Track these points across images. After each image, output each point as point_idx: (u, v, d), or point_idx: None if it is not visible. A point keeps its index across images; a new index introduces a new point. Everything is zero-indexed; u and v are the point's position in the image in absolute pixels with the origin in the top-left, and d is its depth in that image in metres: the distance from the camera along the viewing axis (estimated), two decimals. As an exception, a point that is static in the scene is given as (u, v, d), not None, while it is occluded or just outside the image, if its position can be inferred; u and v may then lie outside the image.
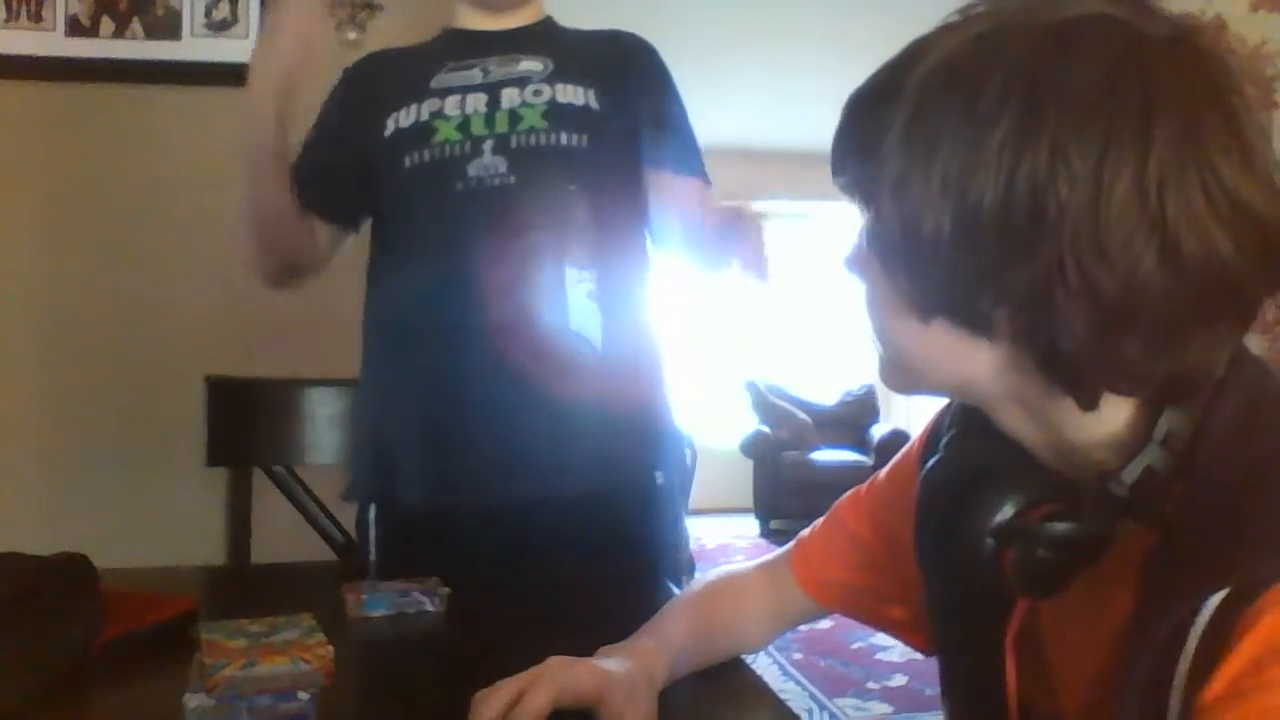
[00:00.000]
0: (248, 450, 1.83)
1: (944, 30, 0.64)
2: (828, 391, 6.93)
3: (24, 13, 2.16)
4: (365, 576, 1.29)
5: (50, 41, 2.17)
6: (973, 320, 0.63)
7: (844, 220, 0.77)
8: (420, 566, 1.23)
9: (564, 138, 1.40)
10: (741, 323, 7.22)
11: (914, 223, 0.61)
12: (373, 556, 1.49)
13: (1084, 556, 0.66)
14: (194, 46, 2.22)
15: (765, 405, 6.72)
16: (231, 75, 2.22)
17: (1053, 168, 0.57)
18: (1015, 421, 0.69)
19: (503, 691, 0.81)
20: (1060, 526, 0.65)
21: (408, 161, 1.41)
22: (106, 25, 2.19)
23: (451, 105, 1.42)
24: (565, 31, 1.55)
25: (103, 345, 2.21)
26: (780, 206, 6.98)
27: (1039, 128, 0.58)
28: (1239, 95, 0.60)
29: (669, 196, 1.46)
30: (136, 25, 2.20)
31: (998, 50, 0.60)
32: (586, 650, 0.90)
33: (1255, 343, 2.38)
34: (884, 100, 0.63)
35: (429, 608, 1.17)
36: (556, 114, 1.40)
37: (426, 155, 1.40)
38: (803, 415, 6.71)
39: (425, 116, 1.41)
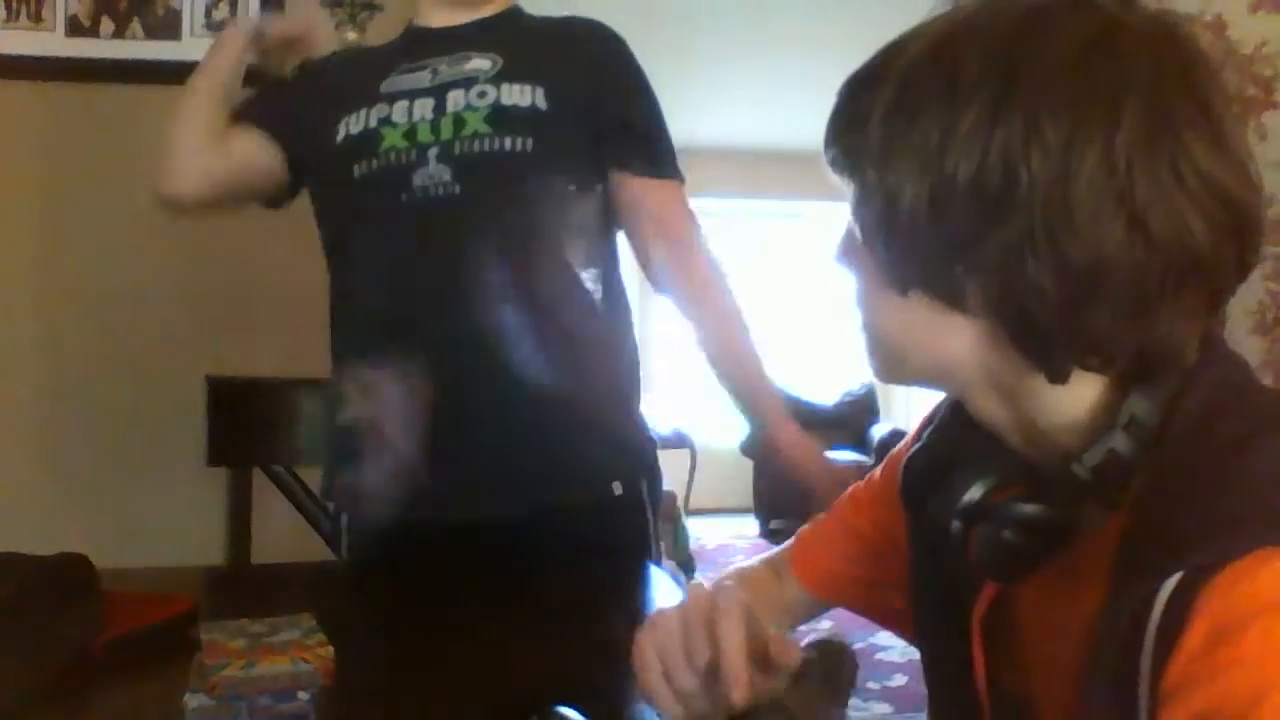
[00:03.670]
0: (248, 450, 1.83)
1: (934, 19, 0.66)
2: (828, 391, 6.93)
3: (24, 13, 2.16)
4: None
5: (50, 41, 2.17)
6: (947, 291, 0.64)
7: (842, 220, 0.79)
8: (389, 572, 1.20)
9: (508, 142, 1.34)
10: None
11: (895, 193, 0.63)
12: (344, 557, 1.49)
13: (1049, 540, 0.66)
14: (194, 46, 2.21)
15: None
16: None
17: (1026, 139, 0.59)
18: (988, 405, 0.70)
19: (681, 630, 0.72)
20: (1025, 507, 0.66)
21: (357, 171, 1.38)
22: (106, 25, 2.19)
23: (399, 111, 1.38)
24: (525, 22, 1.48)
25: (103, 345, 2.21)
26: (779, 206, 6.98)
27: (1014, 101, 0.60)
28: (1215, 84, 0.62)
29: (642, 203, 1.40)
30: (136, 25, 2.20)
31: (979, 30, 0.63)
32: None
33: (1255, 344, 2.37)
34: (875, 80, 0.66)
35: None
36: (500, 117, 1.35)
37: (374, 164, 1.37)
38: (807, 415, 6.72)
39: (373, 123, 1.38)
